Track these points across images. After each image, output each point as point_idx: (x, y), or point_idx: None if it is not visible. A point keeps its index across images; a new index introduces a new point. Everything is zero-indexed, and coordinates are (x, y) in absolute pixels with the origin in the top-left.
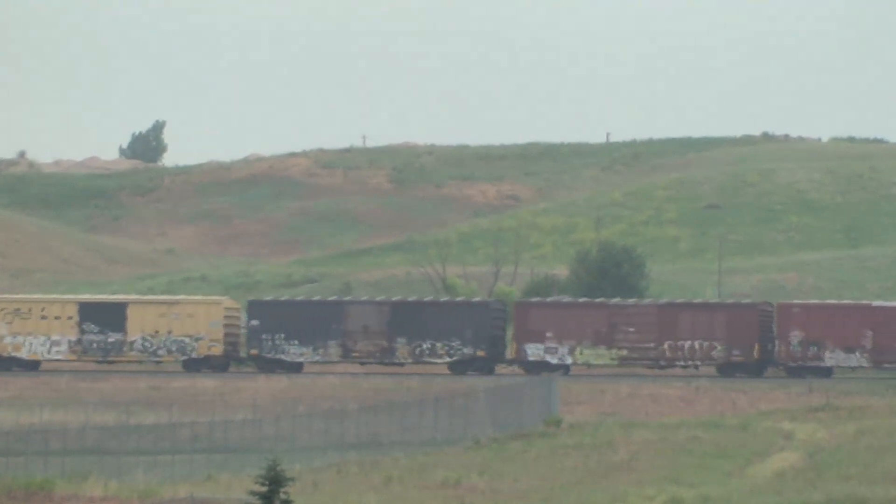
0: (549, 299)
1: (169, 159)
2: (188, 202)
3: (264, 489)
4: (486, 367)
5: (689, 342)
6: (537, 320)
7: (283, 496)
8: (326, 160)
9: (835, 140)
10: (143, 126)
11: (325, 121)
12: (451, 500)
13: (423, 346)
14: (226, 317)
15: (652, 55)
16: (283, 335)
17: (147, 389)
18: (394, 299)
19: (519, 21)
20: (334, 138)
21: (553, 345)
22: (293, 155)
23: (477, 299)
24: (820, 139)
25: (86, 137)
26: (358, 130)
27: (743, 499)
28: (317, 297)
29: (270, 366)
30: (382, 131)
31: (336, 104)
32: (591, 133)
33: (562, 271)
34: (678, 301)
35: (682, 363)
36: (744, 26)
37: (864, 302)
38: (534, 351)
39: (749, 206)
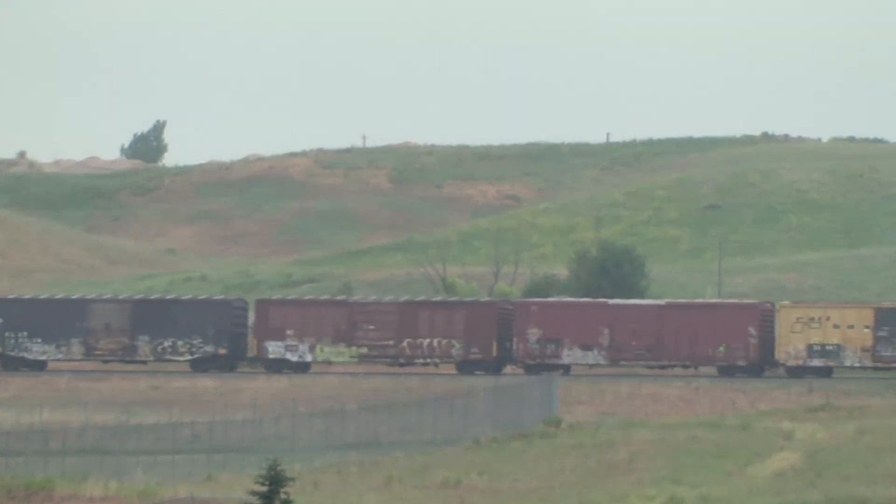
0: (289, 297)
1: (169, 159)
2: (188, 202)
3: (264, 489)
4: (227, 364)
5: (428, 340)
6: (277, 318)
7: (283, 496)
8: (326, 160)
9: (835, 140)
10: (144, 126)
11: (325, 121)
12: (451, 500)
13: (165, 343)
14: None
15: (652, 55)
16: (26, 333)
17: (147, 389)
18: (136, 297)
19: (519, 21)
20: (334, 138)
21: (293, 342)
22: (293, 155)
23: (218, 297)
24: (820, 139)
25: (86, 137)
26: (358, 130)
27: (743, 499)
28: (60, 296)
29: (14, 364)
30: (382, 131)
31: (336, 104)
32: (591, 133)
33: (562, 271)
34: (417, 299)
35: (421, 361)
36: (744, 26)
37: (601, 300)
38: (274, 349)
39: (749, 206)
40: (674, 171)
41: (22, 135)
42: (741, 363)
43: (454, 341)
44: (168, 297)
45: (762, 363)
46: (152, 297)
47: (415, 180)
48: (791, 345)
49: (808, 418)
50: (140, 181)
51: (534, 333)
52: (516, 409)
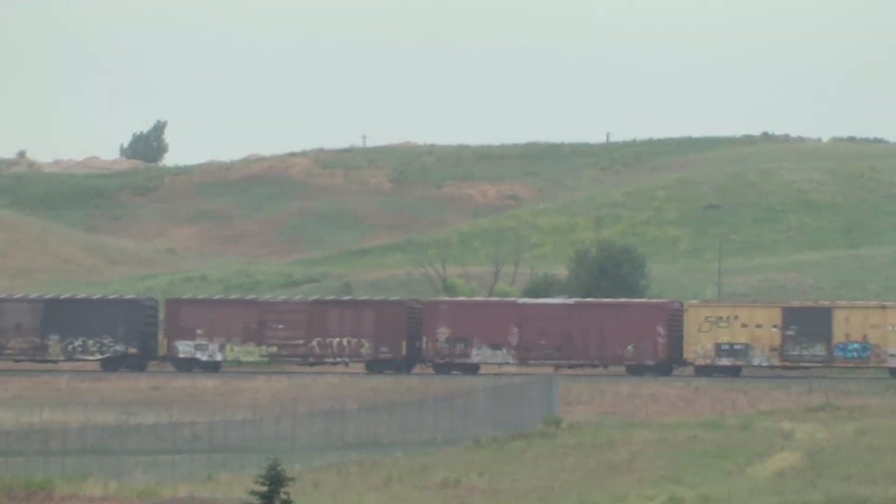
0: (200, 296)
1: (169, 159)
2: (188, 202)
3: (264, 489)
4: (137, 364)
5: (338, 339)
6: (188, 317)
7: (283, 496)
8: (326, 160)
9: (835, 140)
10: (144, 126)
11: (325, 121)
12: (451, 500)
13: (76, 343)
14: None
15: (652, 55)
16: None
17: (147, 389)
18: (46, 296)
19: (519, 21)
20: (334, 138)
21: (203, 342)
22: (293, 155)
23: (129, 296)
24: (820, 139)
25: (86, 137)
26: (358, 130)
27: (743, 499)
28: None
29: None
30: (382, 131)
31: (336, 104)
32: (591, 133)
33: (562, 271)
34: (327, 298)
35: (331, 360)
36: (744, 26)
37: (511, 299)
38: (184, 348)
39: (749, 206)
40: (674, 171)
41: (22, 135)
42: (649, 362)
43: (364, 340)
44: (79, 296)
45: (670, 362)
46: (63, 297)
47: (415, 180)
48: (699, 344)
49: (808, 418)
50: (140, 181)
51: (443, 333)
52: (516, 409)
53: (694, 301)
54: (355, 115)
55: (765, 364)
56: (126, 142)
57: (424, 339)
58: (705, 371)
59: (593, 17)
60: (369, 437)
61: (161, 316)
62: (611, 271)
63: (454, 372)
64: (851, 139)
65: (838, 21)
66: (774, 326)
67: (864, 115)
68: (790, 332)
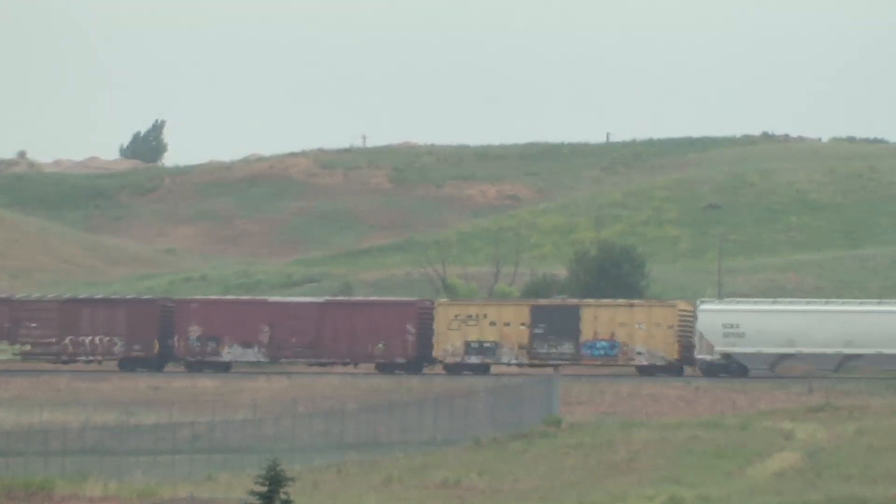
0: None
1: (169, 159)
2: (188, 202)
3: (264, 489)
4: None
5: (90, 337)
6: None
7: (283, 496)
8: (326, 160)
9: (835, 140)
10: (143, 126)
11: (325, 121)
12: (451, 500)
13: None
14: None
15: (652, 55)
16: None
17: (147, 389)
18: None
19: (519, 21)
20: (334, 138)
21: None
22: (293, 155)
23: None
24: (820, 139)
25: (86, 137)
26: (358, 130)
27: (743, 499)
28: None
29: None
30: (382, 131)
31: (336, 104)
32: (591, 133)
33: (562, 271)
34: (80, 297)
35: (84, 358)
36: (744, 26)
37: (261, 298)
38: None
39: (749, 206)
40: (674, 171)
41: (22, 135)
42: (399, 360)
43: (116, 339)
44: None
45: (420, 360)
46: None
47: (415, 180)
48: (449, 342)
49: (808, 418)
50: (140, 181)
51: (194, 331)
52: (516, 409)
53: (443, 299)
54: (355, 115)
55: (513, 362)
56: (126, 142)
57: (176, 337)
58: (454, 369)
59: (593, 17)
60: (369, 437)
61: None
62: (611, 271)
63: (206, 370)
64: (851, 139)
65: (838, 21)
66: (523, 324)
67: (864, 115)
68: (538, 330)
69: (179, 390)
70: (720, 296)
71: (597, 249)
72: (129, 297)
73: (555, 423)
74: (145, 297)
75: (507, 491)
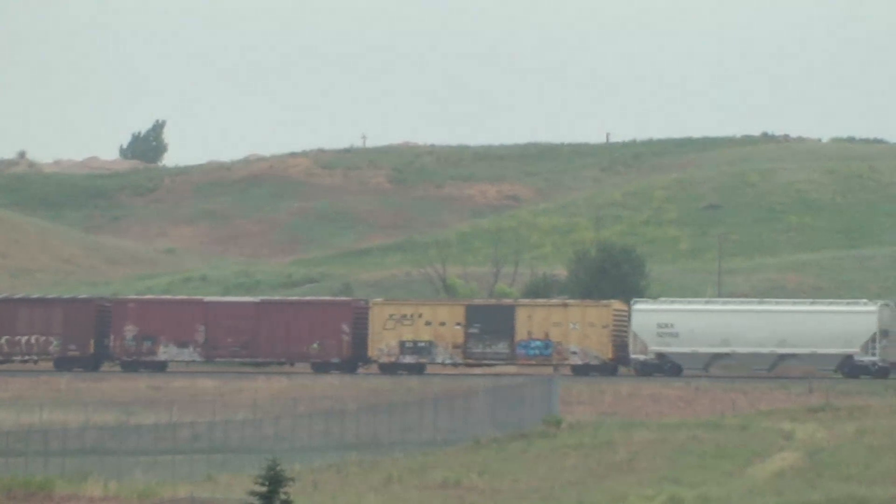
0: None
1: (169, 159)
2: (188, 202)
3: (264, 489)
4: None
5: (26, 337)
6: None
7: (283, 496)
8: (326, 160)
9: (835, 140)
10: (143, 126)
11: (325, 121)
12: (451, 500)
13: None
14: None
15: (652, 55)
16: None
17: (147, 389)
18: None
19: (519, 20)
20: (334, 138)
21: None
22: (293, 155)
23: None
24: (820, 139)
25: (86, 137)
26: (358, 130)
27: (743, 499)
28: None
29: None
30: (382, 131)
31: (336, 104)
32: (591, 133)
33: (562, 271)
34: (16, 296)
35: (19, 358)
36: (744, 26)
37: (197, 297)
38: None
39: (749, 206)
40: (674, 171)
41: (22, 135)
42: (335, 360)
43: (52, 338)
44: None
45: (356, 360)
46: None
47: (415, 180)
48: (384, 342)
49: (808, 418)
50: (140, 181)
51: (130, 331)
52: (516, 409)
53: (378, 299)
54: (355, 115)
55: (448, 361)
56: (126, 142)
57: (112, 336)
58: (389, 369)
59: (593, 16)
60: (369, 437)
61: None
62: (610, 271)
63: (142, 370)
64: (851, 139)
65: (838, 21)
66: (458, 324)
67: (864, 115)
68: (473, 330)
69: (179, 390)
70: (720, 296)
71: (597, 249)
72: (65, 296)
73: (555, 423)
74: (81, 296)
75: (506, 491)
